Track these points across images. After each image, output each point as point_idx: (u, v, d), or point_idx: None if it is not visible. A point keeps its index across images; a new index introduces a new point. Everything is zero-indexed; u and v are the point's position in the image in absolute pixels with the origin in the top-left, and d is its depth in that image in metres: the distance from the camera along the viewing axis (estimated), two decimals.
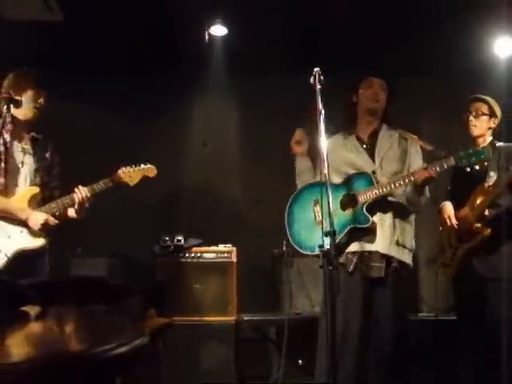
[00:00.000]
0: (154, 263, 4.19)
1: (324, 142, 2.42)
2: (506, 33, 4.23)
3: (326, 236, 2.31)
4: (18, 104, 2.80)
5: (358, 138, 3.06)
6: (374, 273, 2.85)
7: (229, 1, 3.94)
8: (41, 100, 3.01)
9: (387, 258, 2.87)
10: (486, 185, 3.13)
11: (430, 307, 4.23)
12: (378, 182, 2.88)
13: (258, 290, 4.45)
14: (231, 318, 4.04)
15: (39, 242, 2.94)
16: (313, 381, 2.96)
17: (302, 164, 3.09)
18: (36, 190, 2.99)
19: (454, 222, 3.23)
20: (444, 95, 4.75)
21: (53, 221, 2.96)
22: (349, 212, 2.89)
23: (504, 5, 3.72)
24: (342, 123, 3.14)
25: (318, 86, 2.48)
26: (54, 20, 3.95)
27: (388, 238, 2.86)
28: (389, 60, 4.08)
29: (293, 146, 3.08)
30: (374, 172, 2.92)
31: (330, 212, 2.30)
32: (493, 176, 3.12)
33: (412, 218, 3.01)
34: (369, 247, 2.87)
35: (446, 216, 3.28)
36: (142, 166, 3.12)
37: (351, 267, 2.86)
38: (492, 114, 3.29)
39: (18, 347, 1.25)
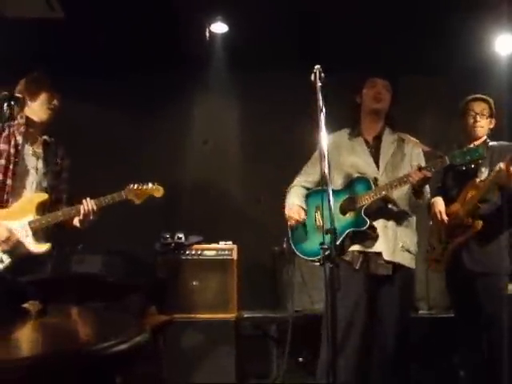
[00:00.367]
0: (155, 260, 4.20)
1: (325, 140, 2.40)
2: (507, 31, 4.22)
3: (327, 234, 2.30)
4: (19, 102, 2.78)
5: (365, 141, 3.03)
6: (382, 270, 2.85)
7: None
8: (55, 102, 2.99)
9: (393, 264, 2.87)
10: (478, 180, 3.12)
11: (428, 305, 4.23)
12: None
13: (258, 287, 4.46)
14: (232, 316, 4.05)
15: (44, 247, 2.90)
16: (314, 379, 2.96)
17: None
18: (45, 196, 2.96)
19: (445, 217, 3.22)
20: (444, 93, 4.74)
21: (16, 239, 2.84)
22: (348, 216, 2.89)
23: (504, 3, 3.72)
24: (346, 122, 3.12)
25: (319, 84, 2.46)
26: (56, 18, 3.95)
27: (392, 244, 2.86)
28: (390, 58, 4.08)
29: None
30: (376, 179, 2.91)
31: (330, 210, 2.27)
32: (484, 172, 3.12)
33: (413, 221, 3.00)
34: (374, 249, 2.86)
35: (436, 211, 3.26)
36: (150, 185, 3.07)
37: (358, 264, 2.85)
38: (492, 115, 3.29)
39: (18, 344, 1.26)
